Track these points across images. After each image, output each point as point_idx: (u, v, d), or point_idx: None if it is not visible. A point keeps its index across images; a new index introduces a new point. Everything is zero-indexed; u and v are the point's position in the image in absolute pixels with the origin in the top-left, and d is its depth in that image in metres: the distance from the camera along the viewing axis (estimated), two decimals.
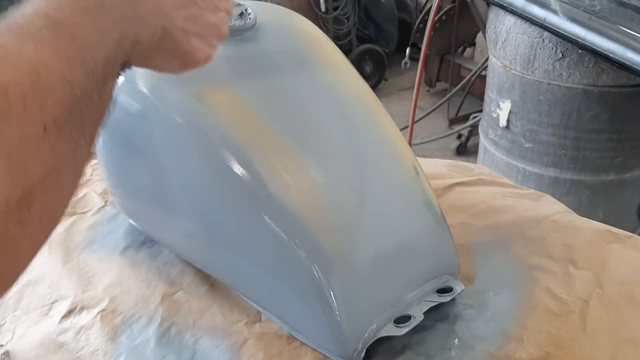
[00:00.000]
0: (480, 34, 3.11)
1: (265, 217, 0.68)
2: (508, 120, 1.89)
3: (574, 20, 1.59)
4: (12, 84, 0.32)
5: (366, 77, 3.56)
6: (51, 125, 0.34)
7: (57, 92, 0.34)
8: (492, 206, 0.91)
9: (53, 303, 0.80)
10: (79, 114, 0.36)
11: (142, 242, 0.88)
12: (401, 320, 0.68)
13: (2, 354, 0.74)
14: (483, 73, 2.70)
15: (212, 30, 0.51)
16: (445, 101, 3.22)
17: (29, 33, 0.35)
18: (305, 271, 0.66)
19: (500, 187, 0.98)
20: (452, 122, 3.26)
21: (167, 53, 0.48)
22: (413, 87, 2.74)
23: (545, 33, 1.70)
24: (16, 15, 0.36)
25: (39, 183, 0.34)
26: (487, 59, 2.28)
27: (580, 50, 1.65)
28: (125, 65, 0.43)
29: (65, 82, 0.35)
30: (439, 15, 2.98)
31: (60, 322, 0.76)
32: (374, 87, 3.56)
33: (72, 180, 0.38)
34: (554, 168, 1.86)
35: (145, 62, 0.47)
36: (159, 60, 0.48)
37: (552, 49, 1.72)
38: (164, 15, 0.45)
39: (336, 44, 0.88)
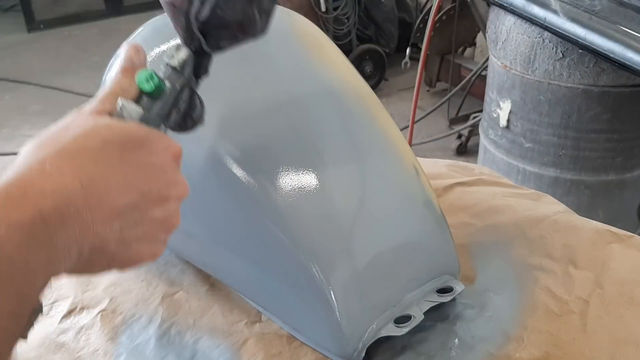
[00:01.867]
0: (480, 34, 3.11)
1: (266, 217, 0.68)
2: (508, 120, 1.89)
3: (574, 20, 1.59)
4: None
5: (366, 77, 3.56)
6: None
7: None
8: (492, 206, 0.91)
9: (53, 303, 0.80)
10: None
11: None
12: (401, 320, 0.68)
13: None
14: (483, 73, 2.70)
15: (158, 227, 0.44)
16: (445, 101, 3.22)
17: None
18: (305, 271, 0.66)
19: (500, 187, 0.98)
20: (452, 122, 3.26)
21: (101, 266, 0.42)
22: (413, 87, 2.74)
23: (546, 33, 1.70)
24: None
25: None
26: (487, 59, 2.28)
27: (580, 50, 1.65)
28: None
29: None
30: (439, 15, 2.98)
31: (60, 322, 0.76)
32: (374, 87, 3.56)
33: None
34: (554, 168, 1.86)
35: (74, 275, 0.42)
36: (91, 272, 0.42)
37: (553, 49, 1.72)
38: (92, 235, 0.39)
39: (336, 44, 0.88)
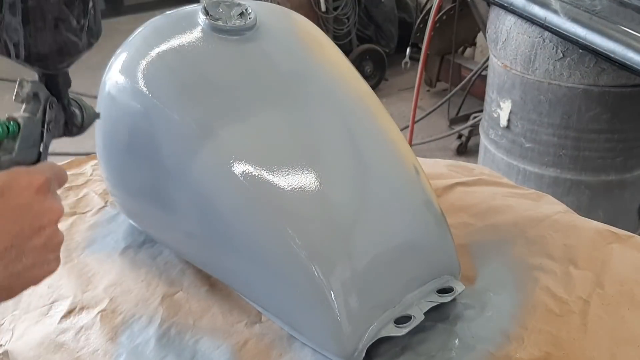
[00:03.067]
0: (480, 34, 3.11)
1: (266, 217, 0.68)
2: (508, 120, 1.89)
3: (574, 20, 1.59)
4: None
5: (366, 77, 3.56)
6: None
7: None
8: (492, 206, 0.91)
9: (53, 303, 0.80)
10: None
11: (142, 243, 0.88)
12: (402, 320, 0.68)
13: (1, 354, 0.74)
14: (483, 73, 2.69)
15: (42, 252, 0.48)
16: (445, 101, 3.22)
17: None
18: (305, 271, 0.66)
19: (500, 187, 0.98)
20: (453, 122, 3.25)
21: (1, 298, 0.47)
22: (413, 87, 2.74)
23: (546, 33, 1.70)
24: None
25: None
26: (487, 59, 2.27)
27: (580, 50, 1.65)
28: None
29: None
30: (440, 15, 2.98)
31: (60, 322, 0.76)
32: (374, 87, 3.55)
33: None
34: (554, 168, 1.85)
35: None
36: None
37: (553, 48, 1.72)
38: None
39: (336, 44, 0.88)
